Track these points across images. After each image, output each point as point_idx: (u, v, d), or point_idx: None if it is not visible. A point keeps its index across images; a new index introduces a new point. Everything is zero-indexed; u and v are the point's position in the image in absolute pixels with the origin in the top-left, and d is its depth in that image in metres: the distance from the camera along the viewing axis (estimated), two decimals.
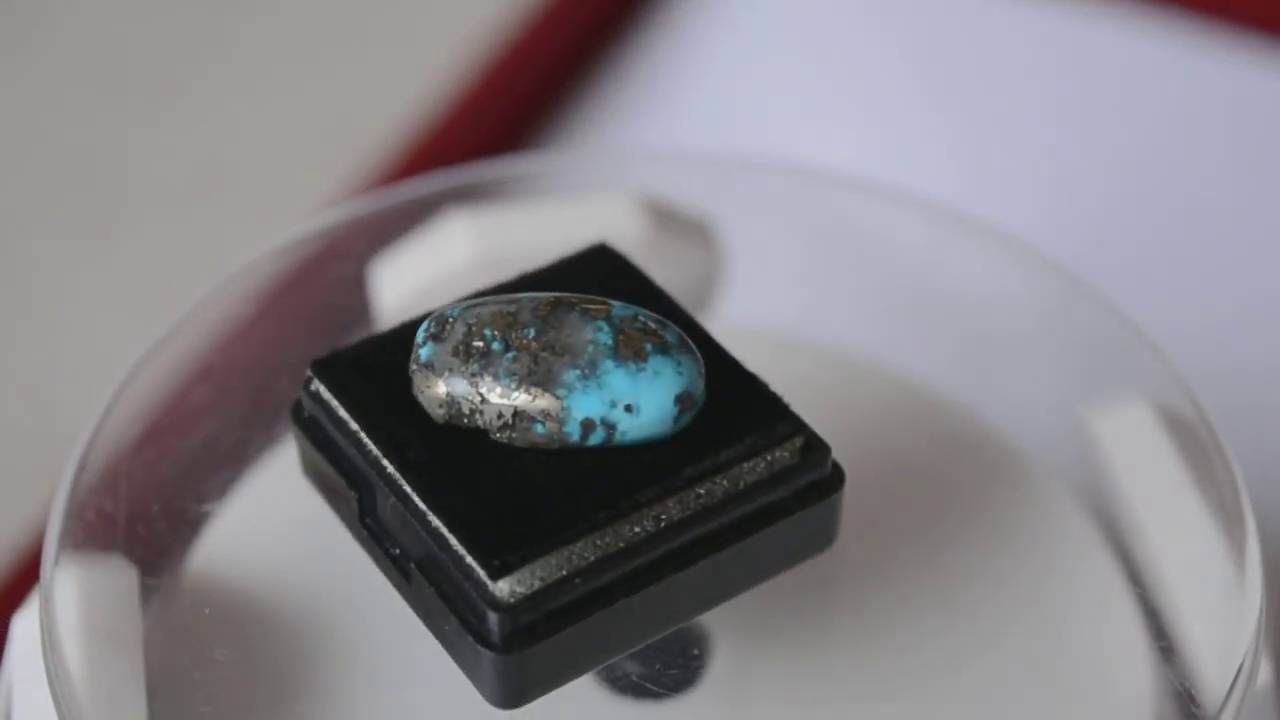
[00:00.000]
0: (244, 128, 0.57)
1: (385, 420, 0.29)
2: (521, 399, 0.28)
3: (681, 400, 0.28)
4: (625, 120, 0.54)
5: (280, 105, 0.58)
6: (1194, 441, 0.34)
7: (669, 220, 0.38)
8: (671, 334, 0.29)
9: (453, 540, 0.28)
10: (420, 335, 0.29)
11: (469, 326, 0.29)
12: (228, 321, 0.38)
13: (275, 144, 0.57)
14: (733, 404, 0.29)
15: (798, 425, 0.29)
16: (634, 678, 0.32)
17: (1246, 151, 0.53)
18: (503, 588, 0.27)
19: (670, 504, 0.28)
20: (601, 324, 0.29)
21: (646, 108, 0.54)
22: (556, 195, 0.39)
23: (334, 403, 0.30)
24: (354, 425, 0.29)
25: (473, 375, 0.28)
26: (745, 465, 0.29)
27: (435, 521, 0.28)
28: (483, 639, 0.28)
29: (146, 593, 0.33)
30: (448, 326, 0.29)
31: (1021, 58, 0.55)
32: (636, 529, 0.28)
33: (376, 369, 0.30)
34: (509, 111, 0.53)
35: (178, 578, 0.34)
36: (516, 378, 0.28)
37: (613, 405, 0.28)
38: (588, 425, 0.28)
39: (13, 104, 0.59)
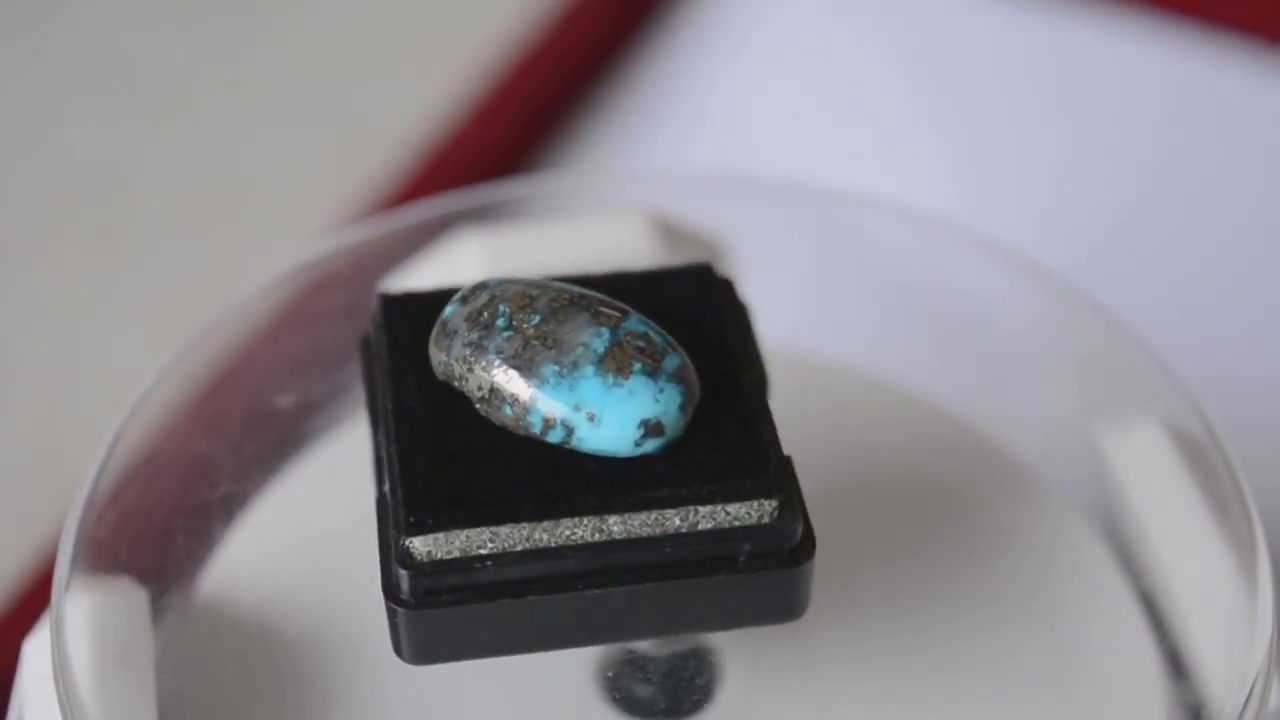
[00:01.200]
0: (253, 146, 0.57)
1: (406, 364, 0.30)
2: (499, 378, 0.29)
3: (647, 425, 0.28)
4: (634, 139, 0.54)
5: (289, 123, 0.58)
6: (1204, 460, 0.34)
7: (678, 239, 0.38)
8: (672, 361, 0.29)
9: (400, 489, 0.28)
10: (457, 294, 0.30)
11: (492, 298, 0.29)
12: (238, 342, 0.38)
13: (284, 162, 0.57)
14: (728, 447, 0.29)
15: (773, 488, 0.28)
16: (644, 698, 0.32)
17: (1245, 157, 0.53)
18: (416, 545, 0.28)
19: (612, 521, 0.28)
20: (603, 330, 0.29)
21: (655, 127, 0.54)
22: (567, 215, 0.39)
23: (381, 336, 0.31)
24: (386, 362, 0.30)
25: (470, 344, 0.29)
26: (703, 509, 0.28)
27: (396, 468, 0.29)
28: (387, 588, 0.28)
29: (157, 615, 0.33)
30: (479, 293, 0.30)
31: (1026, 70, 0.55)
32: (572, 534, 0.28)
33: (429, 316, 0.30)
34: (518, 131, 0.53)
35: (189, 600, 0.34)
36: (502, 357, 0.29)
37: (576, 409, 0.28)
38: (548, 421, 0.28)
39: (22, 117, 0.59)
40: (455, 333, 0.29)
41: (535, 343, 0.29)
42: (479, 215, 0.39)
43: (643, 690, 0.32)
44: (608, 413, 0.28)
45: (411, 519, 0.28)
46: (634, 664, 0.33)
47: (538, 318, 0.29)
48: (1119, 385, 0.36)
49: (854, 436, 0.36)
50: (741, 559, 0.28)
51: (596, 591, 0.28)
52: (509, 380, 0.29)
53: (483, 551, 0.28)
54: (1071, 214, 0.51)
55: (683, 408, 0.29)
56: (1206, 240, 0.51)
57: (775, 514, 0.28)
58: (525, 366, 0.29)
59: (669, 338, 0.29)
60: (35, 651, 0.32)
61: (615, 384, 0.28)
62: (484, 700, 0.33)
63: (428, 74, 0.58)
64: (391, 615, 0.28)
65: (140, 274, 0.54)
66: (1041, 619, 0.34)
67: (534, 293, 0.29)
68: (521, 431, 0.29)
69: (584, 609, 0.28)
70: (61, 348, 0.52)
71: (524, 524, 0.28)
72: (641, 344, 0.29)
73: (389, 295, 0.31)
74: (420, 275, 0.38)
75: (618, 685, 0.32)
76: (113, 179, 0.57)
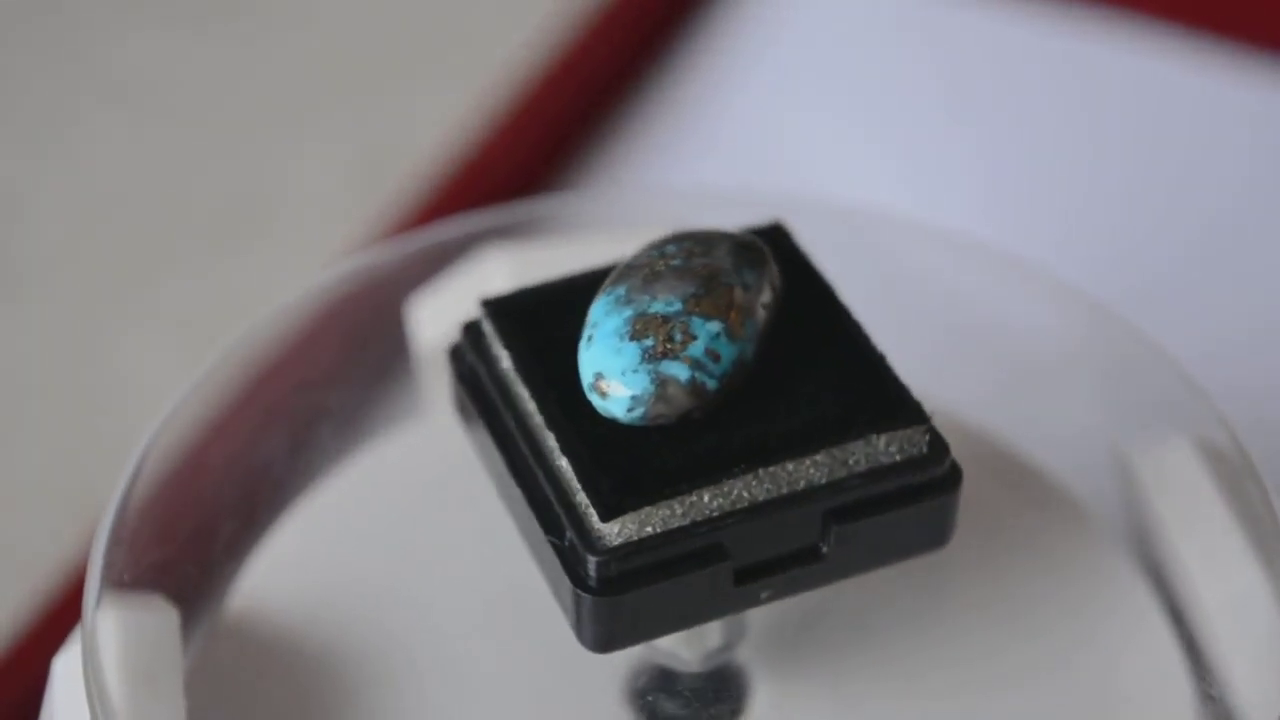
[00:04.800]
0: (279, 165, 0.57)
1: None
2: (609, 275, 0.31)
3: (596, 381, 0.30)
4: (660, 156, 0.54)
5: (315, 142, 0.58)
6: (1234, 476, 0.34)
7: None
8: (673, 368, 0.29)
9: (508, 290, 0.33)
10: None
11: (701, 235, 0.31)
12: (267, 360, 0.38)
13: (310, 180, 0.57)
14: (643, 473, 0.29)
15: (563, 529, 0.29)
16: (673, 715, 0.32)
17: (1266, 170, 0.53)
18: (480, 316, 0.32)
19: (548, 435, 0.30)
20: (675, 304, 0.30)
21: (681, 143, 0.54)
22: (594, 231, 0.39)
23: None
24: None
25: (649, 245, 0.31)
26: (578, 488, 0.29)
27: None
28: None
29: (187, 633, 0.33)
30: (713, 230, 0.32)
31: (1052, 86, 0.55)
32: (513, 419, 0.31)
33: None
34: (544, 148, 0.53)
35: (218, 617, 0.34)
36: (627, 265, 0.31)
37: (593, 327, 0.30)
38: (585, 322, 0.30)
39: (49, 132, 0.59)
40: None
41: (644, 271, 0.30)
42: (506, 233, 0.39)
43: (671, 707, 0.32)
44: (595, 345, 0.30)
45: (485, 301, 0.32)
46: (664, 682, 0.33)
47: (678, 263, 0.30)
48: (1148, 402, 0.36)
49: None
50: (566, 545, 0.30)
51: (506, 471, 0.31)
52: (606, 280, 0.31)
53: (497, 363, 0.31)
54: (1100, 230, 0.51)
55: (636, 400, 0.29)
56: (1235, 255, 0.51)
57: (584, 539, 0.29)
58: (617, 279, 0.30)
59: (718, 368, 0.30)
60: (65, 669, 0.32)
61: (620, 337, 0.30)
62: (514, 719, 0.33)
63: (453, 92, 0.58)
64: None
65: (167, 292, 0.54)
66: (1071, 636, 0.34)
67: (716, 252, 0.31)
68: None
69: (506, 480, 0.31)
70: (89, 366, 0.52)
71: (513, 374, 0.31)
72: (679, 337, 0.30)
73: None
74: (447, 293, 0.38)
75: (647, 702, 0.32)
76: (142, 199, 0.57)
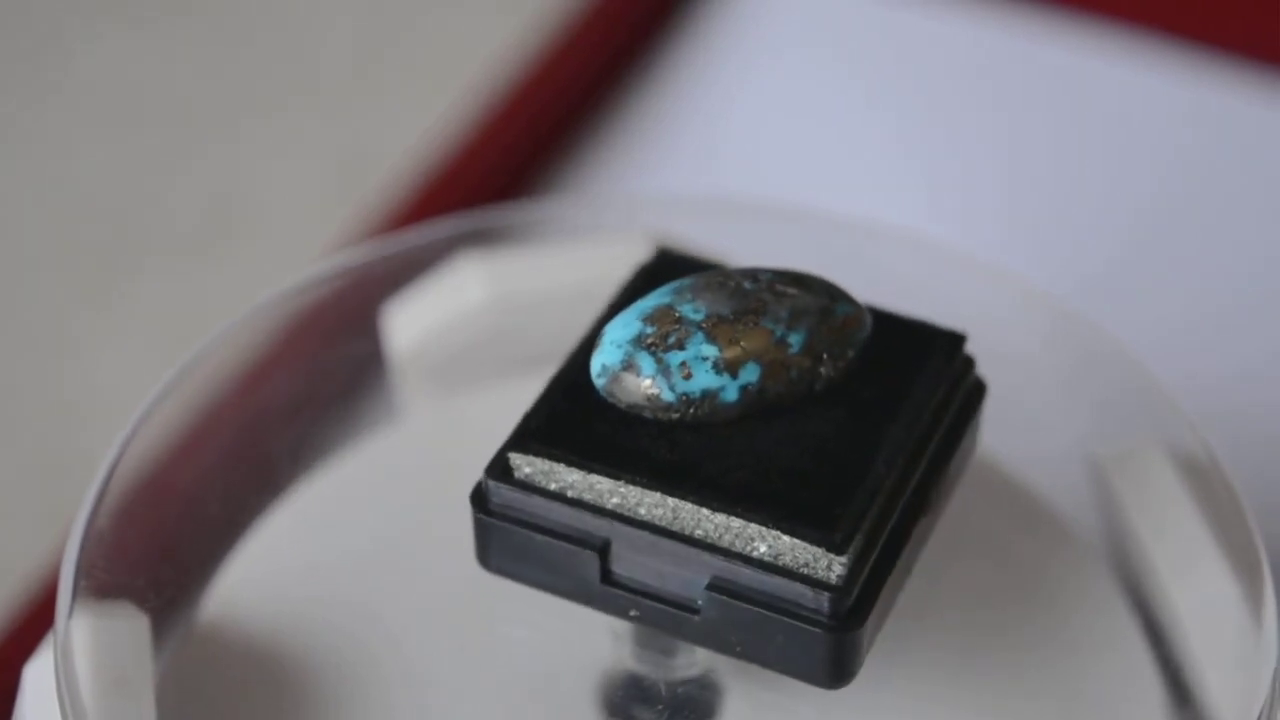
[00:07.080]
0: (254, 170, 0.57)
1: None
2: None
3: (600, 338, 0.31)
4: (636, 163, 0.54)
5: (291, 146, 0.58)
6: (1207, 485, 0.34)
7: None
8: (641, 357, 0.30)
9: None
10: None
11: (796, 272, 0.32)
12: (240, 365, 0.38)
13: (286, 185, 0.57)
14: (568, 434, 0.30)
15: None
16: None
17: (1242, 180, 0.53)
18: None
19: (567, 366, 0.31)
20: (701, 315, 0.30)
21: (658, 150, 0.54)
22: (569, 238, 0.39)
23: None
24: None
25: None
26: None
27: None
28: None
29: (158, 640, 0.33)
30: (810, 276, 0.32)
31: (1030, 94, 0.56)
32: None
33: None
34: (520, 155, 0.53)
35: (190, 624, 0.34)
36: (724, 270, 0.32)
37: (644, 298, 0.31)
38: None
39: (28, 146, 0.59)
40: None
41: (720, 279, 0.31)
42: (481, 239, 0.39)
43: (644, 715, 0.32)
44: (625, 312, 0.31)
45: (660, 248, 0.33)
46: (637, 689, 0.33)
47: (749, 286, 0.31)
48: (1121, 411, 0.36)
49: None
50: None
51: None
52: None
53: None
54: (1070, 238, 0.51)
55: (605, 368, 0.30)
56: (1205, 262, 0.51)
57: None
58: (699, 275, 0.31)
59: (683, 385, 0.30)
60: (36, 676, 0.32)
61: (640, 314, 0.30)
62: None
63: (430, 97, 0.58)
64: None
65: (141, 298, 0.54)
66: (1045, 646, 0.34)
67: (790, 300, 0.31)
68: None
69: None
70: (63, 371, 0.52)
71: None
72: (672, 340, 0.30)
73: None
74: (421, 299, 0.38)
75: (619, 709, 0.33)
76: (115, 203, 0.57)
